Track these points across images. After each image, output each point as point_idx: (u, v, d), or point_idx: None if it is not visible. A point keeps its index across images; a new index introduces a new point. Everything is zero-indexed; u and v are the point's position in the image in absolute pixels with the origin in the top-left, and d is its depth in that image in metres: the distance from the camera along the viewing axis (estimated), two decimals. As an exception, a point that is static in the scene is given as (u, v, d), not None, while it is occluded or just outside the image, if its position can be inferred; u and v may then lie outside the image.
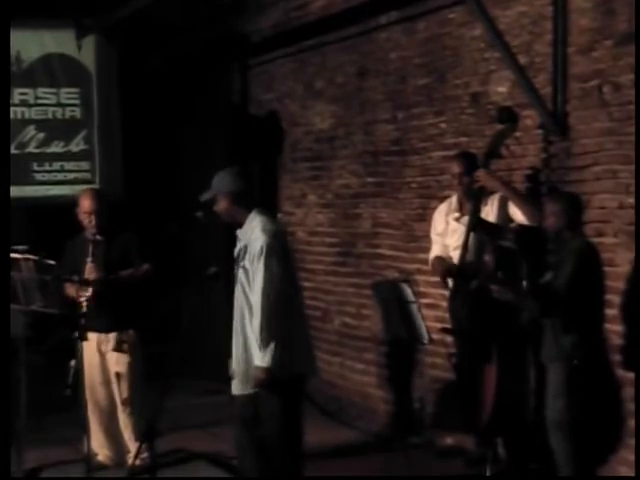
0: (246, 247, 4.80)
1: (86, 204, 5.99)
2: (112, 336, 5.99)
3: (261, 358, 4.66)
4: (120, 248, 6.01)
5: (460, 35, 6.41)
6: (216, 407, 7.09)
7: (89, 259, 5.86)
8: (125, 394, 6.01)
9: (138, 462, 5.54)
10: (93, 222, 5.95)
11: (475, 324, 5.53)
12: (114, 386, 6.04)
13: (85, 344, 5.74)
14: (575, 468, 5.00)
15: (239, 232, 4.91)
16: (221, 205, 4.90)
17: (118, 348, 5.98)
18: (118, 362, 6.01)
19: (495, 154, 5.62)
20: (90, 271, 5.86)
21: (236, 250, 4.92)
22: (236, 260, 4.89)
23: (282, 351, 4.66)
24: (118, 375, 6.00)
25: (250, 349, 4.77)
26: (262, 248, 4.70)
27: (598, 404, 5.19)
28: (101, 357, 6.01)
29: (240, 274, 4.82)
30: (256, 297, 4.70)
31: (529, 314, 5.16)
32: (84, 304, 5.76)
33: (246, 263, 4.78)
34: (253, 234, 4.79)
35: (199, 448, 6.50)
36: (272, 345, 4.64)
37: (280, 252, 4.78)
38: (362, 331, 7.51)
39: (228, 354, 4.93)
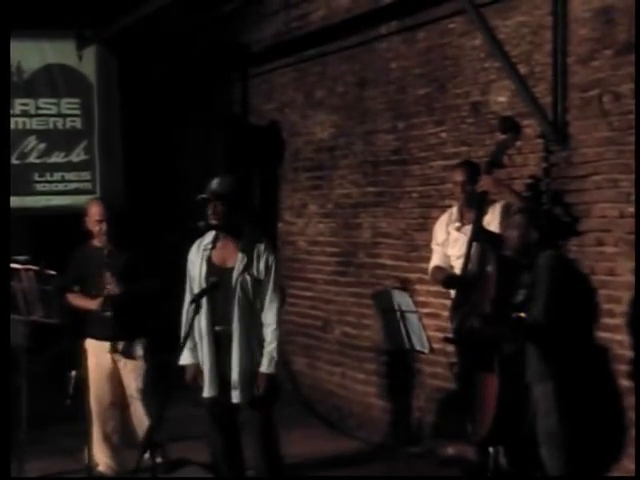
0: (250, 258, 4.94)
1: (96, 212, 5.96)
2: (124, 344, 5.97)
3: (273, 366, 4.93)
4: (131, 259, 5.98)
5: (460, 45, 6.42)
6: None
7: (108, 272, 5.83)
8: (140, 389, 5.99)
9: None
10: (104, 229, 5.94)
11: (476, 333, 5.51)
12: (129, 383, 5.99)
13: (94, 352, 5.83)
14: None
15: (240, 242, 4.97)
16: (219, 208, 4.92)
17: (125, 353, 5.98)
18: (134, 368, 5.99)
19: (497, 163, 5.62)
20: (108, 282, 5.84)
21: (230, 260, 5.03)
22: (224, 269, 4.97)
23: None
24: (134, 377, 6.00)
25: (255, 356, 4.89)
26: (273, 264, 4.98)
27: (596, 414, 5.18)
28: (113, 364, 5.97)
29: (246, 280, 4.94)
30: (271, 312, 4.97)
31: (510, 346, 5.13)
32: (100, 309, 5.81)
33: (253, 271, 4.93)
34: (257, 247, 4.96)
35: (199, 458, 6.47)
36: (276, 354, 4.95)
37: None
38: (363, 341, 7.50)
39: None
